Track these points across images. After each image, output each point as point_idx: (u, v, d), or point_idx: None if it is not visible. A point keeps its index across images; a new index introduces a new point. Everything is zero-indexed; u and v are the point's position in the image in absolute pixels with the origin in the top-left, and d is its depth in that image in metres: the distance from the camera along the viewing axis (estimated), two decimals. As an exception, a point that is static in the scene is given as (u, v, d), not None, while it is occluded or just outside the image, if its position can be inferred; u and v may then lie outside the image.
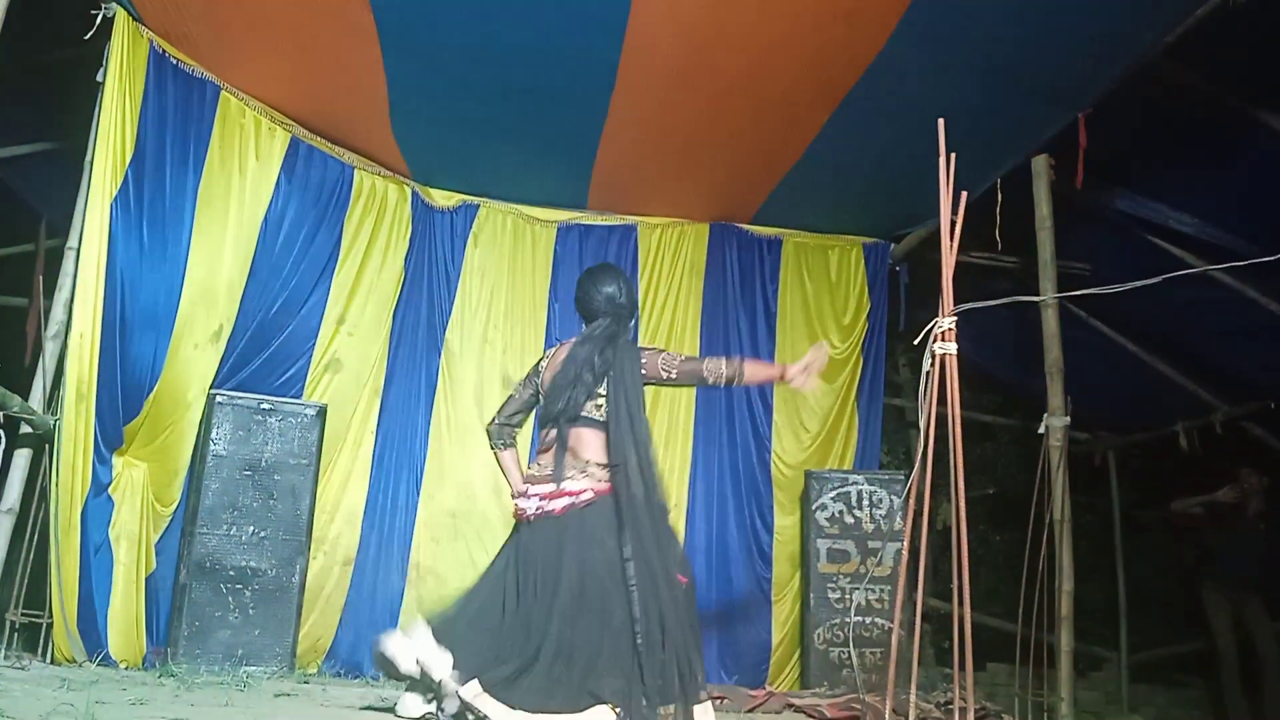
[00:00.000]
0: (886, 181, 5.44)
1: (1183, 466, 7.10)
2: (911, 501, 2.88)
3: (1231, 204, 5.19)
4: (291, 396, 5.20)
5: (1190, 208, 5.32)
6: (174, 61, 4.75)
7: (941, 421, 2.81)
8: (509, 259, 6.05)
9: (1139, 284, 2.69)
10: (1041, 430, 4.97)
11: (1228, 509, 6.54)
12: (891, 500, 5.60)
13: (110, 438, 4.48)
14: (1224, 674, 6.38)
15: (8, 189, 6.09)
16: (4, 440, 4.06)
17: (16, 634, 4.33)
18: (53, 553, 4.13)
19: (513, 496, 3.53)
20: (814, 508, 5.66)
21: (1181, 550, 7.52)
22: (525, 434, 4.21)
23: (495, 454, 3.70)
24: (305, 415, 5.00)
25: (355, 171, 5.62)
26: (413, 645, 3.09)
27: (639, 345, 3.63)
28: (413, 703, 3.23)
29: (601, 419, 3.38)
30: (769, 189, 5.75)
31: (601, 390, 3.40)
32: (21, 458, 4.26)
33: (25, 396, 4.18)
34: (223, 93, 5.00)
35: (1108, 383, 6.82)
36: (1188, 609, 7.33)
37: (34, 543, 4.29)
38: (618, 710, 2.97)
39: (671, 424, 5.97)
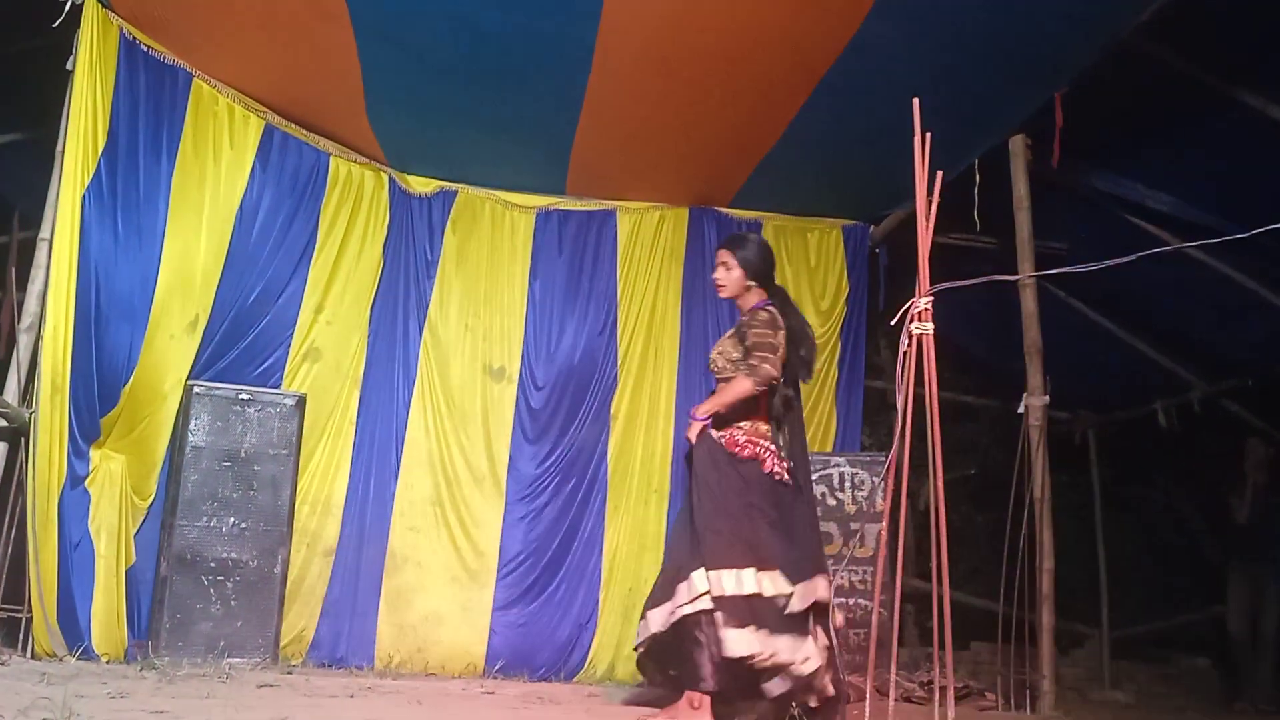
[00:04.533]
0: (865, 163, 5.43)
1: (1162, 444, 7.16)
2: (890, 482, 2.88)
3: (1208, 181, 5.21)
4: (270, 386, 5.17)
5: (1167, 186, 5.34)
6: (145, 49, 4.70)
7: (921, 402, 2.82)
8: (488, 245, 6.01)
9: (1116, 262, 2.70)
10: (1021, 410, 4.99)
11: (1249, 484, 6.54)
12: (873, 481, 5.61)
13: (87, 430, 4.44)
14: (1237, 653, 6.40)
15: (-21, 180, 6.03)
16: (-22, 434, 4.03)
17: (-4, 629, 4.31)
18: (31, 547, 4.10)
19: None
20: (796, 490, 5.66)
21: (1160, 527, 7.60)
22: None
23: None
24: (284, 405, 4.98)
25: (331, 159, 5.58)
26: None
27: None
28: None
29: None
30: (747, 172, 5.74)
31: None
32: (-3, 452, 4.23)
33: (0, 390, 4.15)
34: (195, 80, 4.95)
35: (1087, 362, 6.86)
36: (1167, 585, 7.41)
37: (12, 537, 4.26)
38: None
39: (652, 407, 5.97)
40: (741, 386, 3.56)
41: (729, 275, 3.82)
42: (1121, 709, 6.07)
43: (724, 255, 3.85)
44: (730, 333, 3.81)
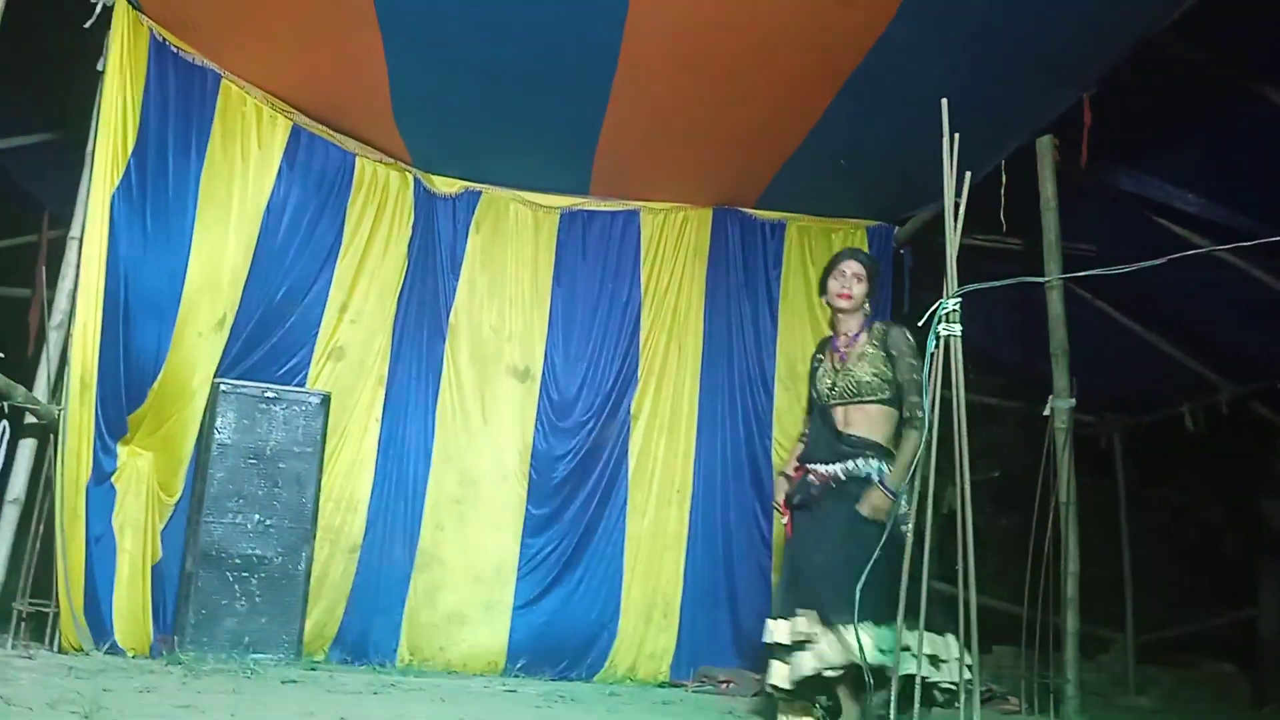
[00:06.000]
0: (890, 164, 5.41)
1: (1189, 447, 7.10)
2: (916, 485, 2.87)
3: (1238, 183, 5.16)
4: (295, 385, 5.21)
5: (1196, 187, 5.29)
6: (174, 50, 4.74)
7: (946, 404, 2.81)
8: (512, 245, 6.02)
9: (1144, 265, 2.67)
10: (1047, 412, 4.95)
11: None
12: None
13: (114, 426, 4.49)
14: (1268, 660, 6.34)
15: (10, 179, 6.09)
16: (9, 430, 4.07)
17: (24, 624, 4.35)
18: (58, 542, 4.14)
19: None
20: (819, 492, 5.63)
21: (1187, 530, 7.53)
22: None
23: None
24: (309, 403, 5.01)
25: (357, 159, 5.60)
26: None
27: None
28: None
29: None
30: (772, 173, 5.72)
31: None
32: (26, 448, 4.28)
33: (30, 387, 4.19)
34: (224, 81, 4.99)
35: (1113, 364, 6.81)
36: (1193, 589, 7.34)
37: (40, 533, 4.30)
38: None
39: (675, 407, 5.96)
40: (916, 445, 3.46)
41: (861, 289, 3.81)
42: (1147, 714, 6.02)
43: (857, 268, 3.84)
44: (869, 345, 3.74)
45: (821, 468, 3.69)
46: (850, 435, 3.67)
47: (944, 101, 2.90)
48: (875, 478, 3.55)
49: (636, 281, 6.08)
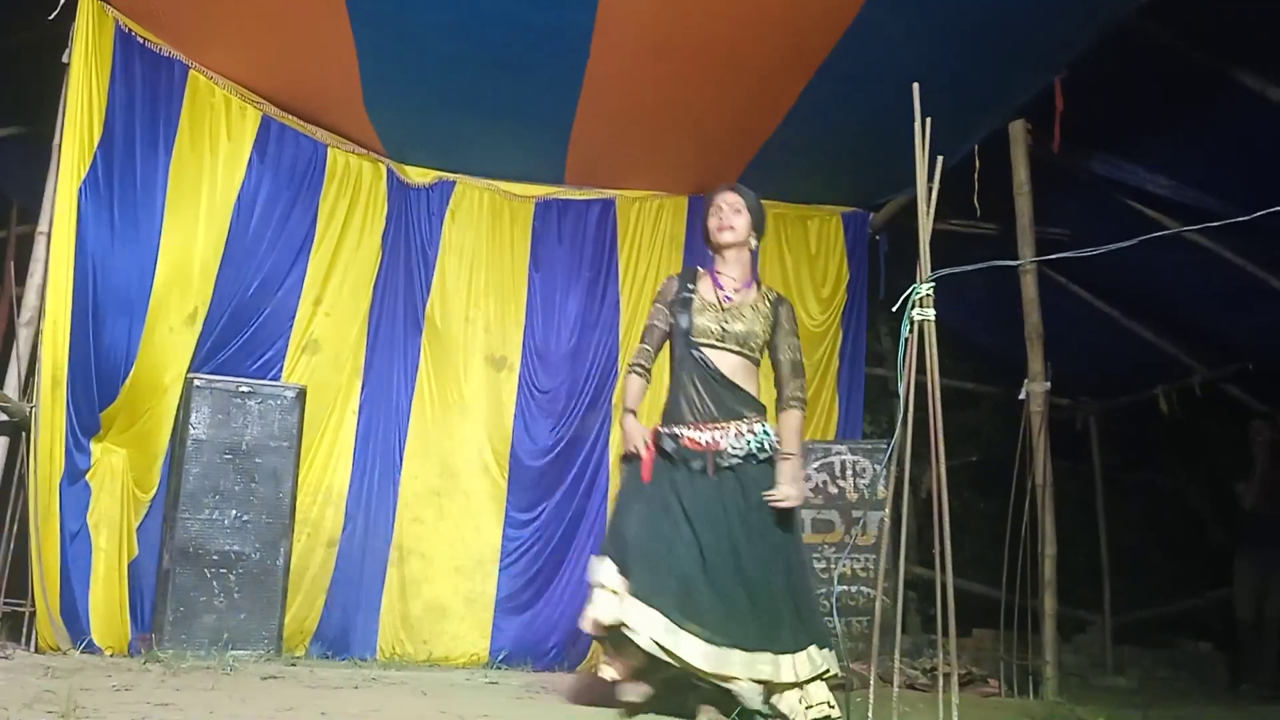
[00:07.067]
0: (865, 149, 5.41)
1: (1163, 429, 7.17)
2: (892, 470, 2.88)
3: (1208, 165, 5.20)
4: (270, 379, 5.17)
5: (1168, 170, 5.33)
6: (141, 41, 4.69)
7: (922, 389, 2.82)
8: (487, 235, 6.00)
9: (1115, 246, 2.70)
10: (1022, 396, 4.98)
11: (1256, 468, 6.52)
12: (875, 469, 5.62)
13: (87, 424, 4.45)
14: (1243, 638, 6.41)
15: (-23, 174, 6.02)
16: (-21, 429, 4.03)
17: (0, 623, 4.32)
18: (33, 541, 4.11)
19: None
20: (798, 478, 5.65)
21: (1162, 512, 7.59)
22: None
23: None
24: (285, 397, 4.98)
25: (329, 150, 5.56)
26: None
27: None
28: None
29: None
30: (747, 159, 5.71)
31: None
32: (-1, 446, 4.24)
33: (0, 384, 4.15)
34: (191, 72, 4.93)
35: (1088, 348, 6.86)
36: (1170, 570, 7.40)
37: (14, 531, 4.27)
38: None
39: (655, 396, 5.94)
40: (802, 425, 3.49)
41: (742, 220, 3.51)
42: (1125, 694, 6.07)
43: (734, 199, 3.53)
44: (761, 301, 3.53)
45: (702, 435, 3.44)
46: (735, 384, 3.45)
47: (916, 86, 2.90)
48: (773, 452, 3.39)
49: (614, 270, 6.07)
